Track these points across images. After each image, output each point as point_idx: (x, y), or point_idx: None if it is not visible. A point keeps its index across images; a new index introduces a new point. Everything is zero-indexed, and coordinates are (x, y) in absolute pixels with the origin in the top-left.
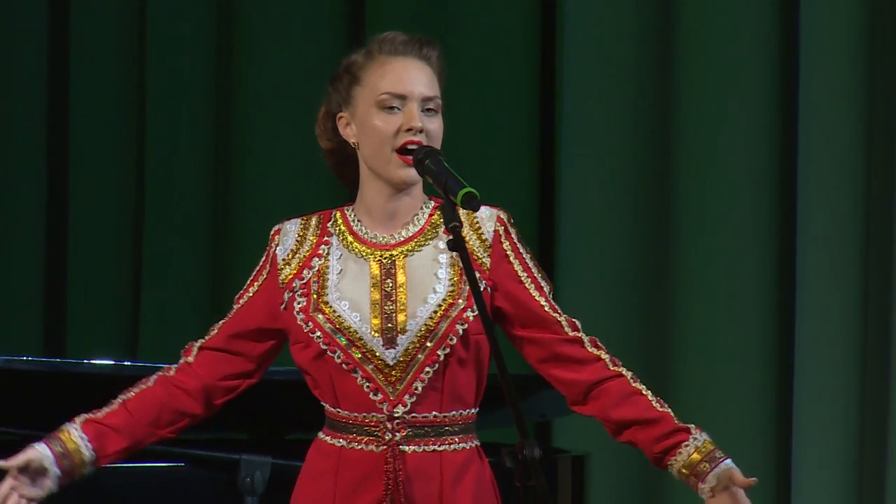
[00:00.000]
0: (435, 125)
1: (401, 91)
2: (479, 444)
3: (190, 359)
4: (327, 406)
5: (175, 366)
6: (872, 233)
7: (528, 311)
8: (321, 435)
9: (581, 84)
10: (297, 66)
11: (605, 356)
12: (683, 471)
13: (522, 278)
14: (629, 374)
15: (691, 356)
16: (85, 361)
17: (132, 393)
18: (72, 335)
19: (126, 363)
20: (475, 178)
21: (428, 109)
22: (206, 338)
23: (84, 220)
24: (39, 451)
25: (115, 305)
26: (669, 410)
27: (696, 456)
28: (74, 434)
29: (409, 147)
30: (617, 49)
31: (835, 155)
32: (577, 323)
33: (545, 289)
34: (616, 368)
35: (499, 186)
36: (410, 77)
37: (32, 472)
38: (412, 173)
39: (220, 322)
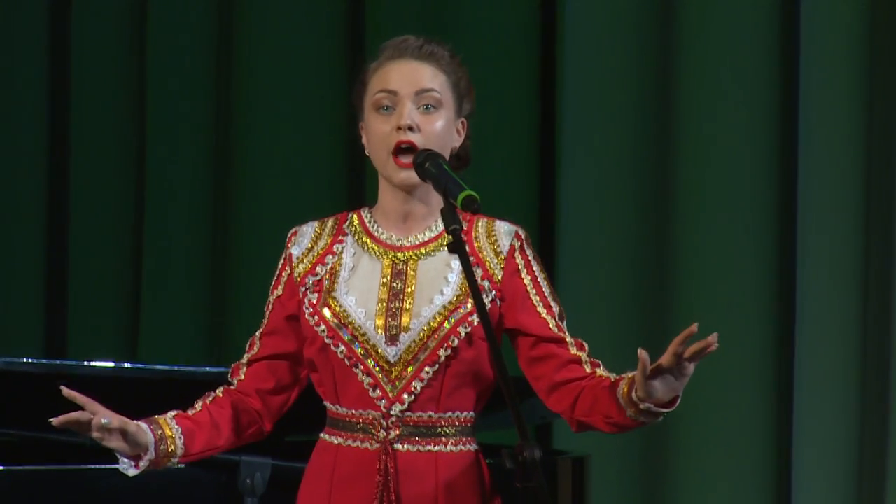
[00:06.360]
0: (433, 123)
1: (391, 87)
2: (478, 448)
3: (241, 376)
4: (328, 404)
5: (228, 386)
6: (873, 232)
7: (532, 327)
8: (322, 434)
9: (581, 84)
10: (296, 66)
11: (601, 372)
12: (626, 397)
13: (531, 294)
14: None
15: None
16: (85, 363)
17: (207, 401)
18: (72, 336)
19: (126, 365)
20: (475, 178)
21: (426, 105)
22: (250, 353)
23: (84, 221)
24: (142, 427)
25: (116, 306)
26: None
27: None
28: (171, 424)
29: (403, 147)
30: (617, 49)
31: (835, 154)
32: (585, 344)
33: (554, 309)
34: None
35: (499, 187)
36: (402, 74)
37: (123, 439)
38: (410, 175)
39: (257, 333)
